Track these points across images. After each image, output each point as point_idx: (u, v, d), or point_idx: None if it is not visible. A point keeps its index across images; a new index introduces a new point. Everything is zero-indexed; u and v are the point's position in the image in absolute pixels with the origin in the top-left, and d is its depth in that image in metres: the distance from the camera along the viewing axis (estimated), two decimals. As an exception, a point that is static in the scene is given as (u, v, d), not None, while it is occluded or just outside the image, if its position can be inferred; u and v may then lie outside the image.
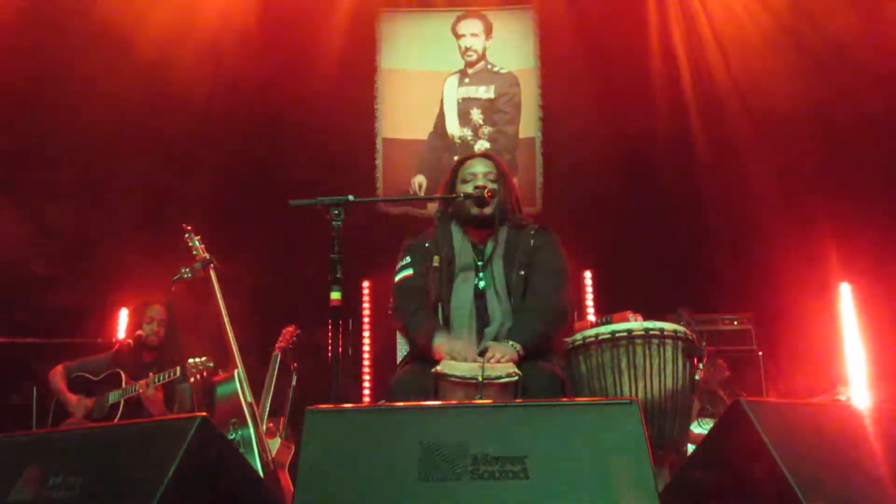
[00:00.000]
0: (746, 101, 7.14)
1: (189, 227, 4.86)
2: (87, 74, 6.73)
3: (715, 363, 6.07)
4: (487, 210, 3.80)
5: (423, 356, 3.63)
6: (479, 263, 3.81)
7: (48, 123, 6.77)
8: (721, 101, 7.31)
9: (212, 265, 4.74)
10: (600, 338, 3.69)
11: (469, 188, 3.84)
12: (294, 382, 5.57)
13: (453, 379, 3.36)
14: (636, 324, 3.74)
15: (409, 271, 3.87)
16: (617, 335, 3.67)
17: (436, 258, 3.81)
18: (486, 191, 3.77)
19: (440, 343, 3.58)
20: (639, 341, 3.65)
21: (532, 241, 3.81)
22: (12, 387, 5.89)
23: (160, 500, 2.37)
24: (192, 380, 4.63)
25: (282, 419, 5.42)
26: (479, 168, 3.91)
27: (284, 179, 7.08)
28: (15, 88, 6.58)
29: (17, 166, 6.73)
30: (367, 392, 7.06)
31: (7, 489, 2.64)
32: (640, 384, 3.60)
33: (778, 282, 6.56)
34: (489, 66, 8.01)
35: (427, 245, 3.89)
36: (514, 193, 3.99)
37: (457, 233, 3.91)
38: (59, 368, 5.37)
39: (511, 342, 3.54)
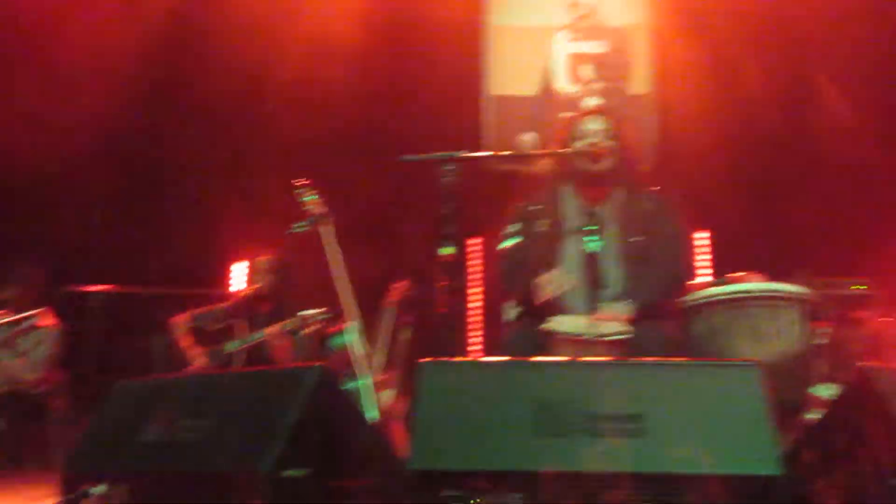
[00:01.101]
0: (865, 61, 6.81)
1: (305, 182, 4.95)
2: (201, 42, 6.94)
3: (850, 327, 5.85)
4: (601, 167, 3.75)
5: (533, 312, 3.63)
6: (592, 228, 3.76)
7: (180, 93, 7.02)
8: (841, 60, 7.00)
9: (326, 220, 4.82)
10: (718, 298, 3.62)
11: (582, 145, 3.80)
12: (406, 336, 5.65)
13: (562, 335, 3.36)
14: (756, 285, 3.64)
15: (516, 239, 3.86)
16: (736, 296, 3.59)
17: (544, 223, 3.79)
18: (599, 147, 3.72)
19: (540, 280, 3.57)
20: (759, 303, 3.56)
21: (649, 206, 3.74)
22: (138, 333, 6.14)
23: (282, 444, 2.46)
24: (309, 331, 4.74)
25: (394, 372, 5.52)
26: (594, 125, 3.84)
27: (395, 136, 7.14)
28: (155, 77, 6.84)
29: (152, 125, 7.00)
30: (476, 349, 7.11)
31: (141, 428, 2.78)
32: (759, 347, 3.52)
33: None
34: (600, 21, 7.85)
35: (534, 209, 3.87)
36: (630, 153, 3.91)
37: (567, 194, 3.86)
38: (181, 318, 5.59)
39: (626, 302, 3.51)
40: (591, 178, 3.77)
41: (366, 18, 7.38)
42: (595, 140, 3.76)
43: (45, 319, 5.80)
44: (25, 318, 5.72)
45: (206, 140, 7.33)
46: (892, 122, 6.76)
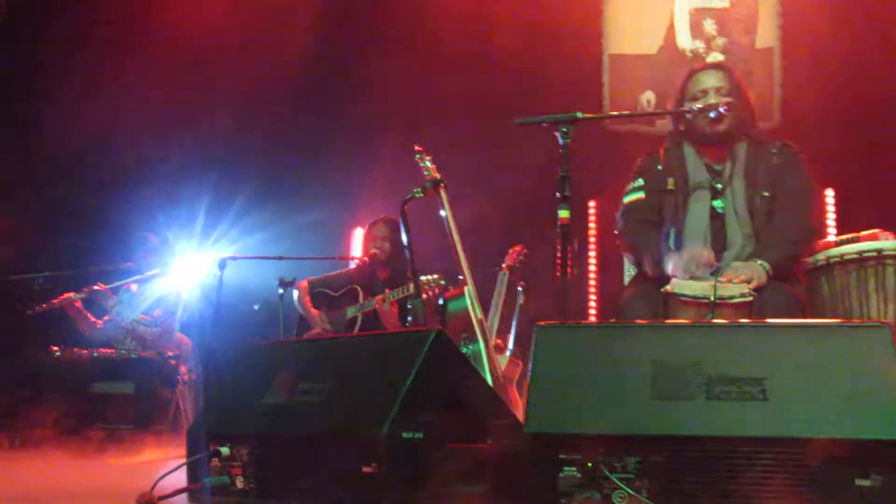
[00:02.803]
0: None
1: (421, 148, 4.97)
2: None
3: None
4: (722, 127, 3.63)
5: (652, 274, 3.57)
6: (719, 186, 3.66)
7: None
8: None
9: (442, 185, 4.84)
10: (846, 258, 3.47)
11: (701, 104, 3.68)
12: (521, 300, 5.66)
13: (684, 298, 3.29)
14: (887, 243, 3.47)
15: (641, 194, 3.78)
16: (865, 255, 3.43)
17: (670, 181, 3.70)
18: (720, 108, 3.59)
19: (673, 262, 3.51)
20: (890, 262, 3.39)
21: (775, 160, 3.62)
22: (258, 297, 6.33)
23: (399, 407, 2.49)
24: (425, 296, 4.78)
25: (508, 336, 5.54)
26: (710, 82, 3.71)
27: (510, 98, 7.08)
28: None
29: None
30: (592, 313, 7.05)
31: (263, 391, 2.87)
32: (891, 307, 3.36)
33: None
34: (725, -27, 7.56)
35: (659, 168, 3.78)
36: (750, 105, 3.77)
37: (689, 152, 3.76)
38: (304, 283, 5.73)
39: (759, 262, 3.41)
40: (712, 138, 3.67)
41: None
42: (712, 101, 3.65)
43: (171, 285, 6.05)
44: (150, 283, 6.00)
45: (327, 105, 7.45)
46: None
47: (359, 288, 5.55)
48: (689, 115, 3.68)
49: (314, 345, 3.70)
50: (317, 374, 2.83)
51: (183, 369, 5.87)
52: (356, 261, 5.88)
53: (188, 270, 6.18)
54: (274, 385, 2.86)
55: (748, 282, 3.30)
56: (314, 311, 5.59)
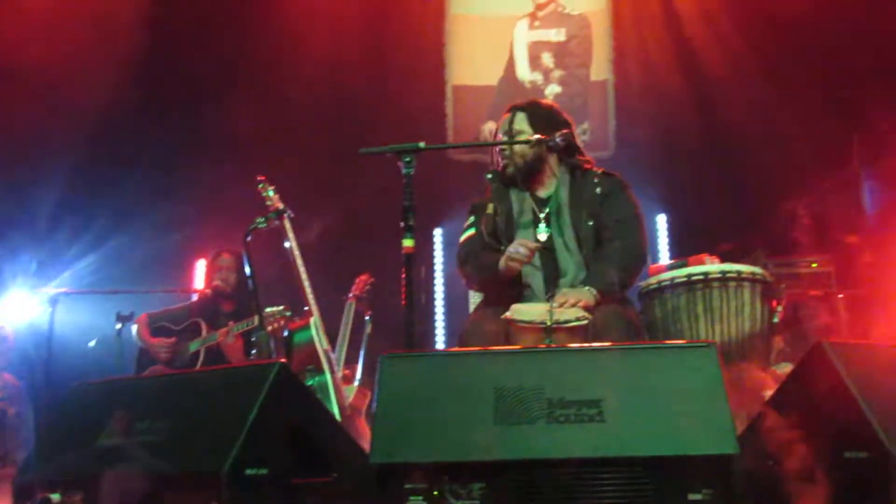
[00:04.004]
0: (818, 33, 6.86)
1: (263, 178, 4.91)
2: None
3: (810, 306, 5.91)
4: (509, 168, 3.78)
5: (496, 301, 3.63)
6: (542, 214, 3.76)
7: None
8: (794, 32, 7.03)
9: (286, 215, 4.79)
10: (676, 281, 3.64)
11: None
12: (368, 330, 5.65)
13: (521, 324, 3.36)
14: (712, 266, 3.67)
15: (472, 231, 3.87)
16: (693, 278, 3.61)
17: (498, 217, 3.78)
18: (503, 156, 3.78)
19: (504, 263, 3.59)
20: (715, 284, 3.59)
21: (598, 189, 3.73)
22: (94, 334, 6.07)
23: (242, 444, 2.43)
24: (270, 328, 4.71)
25: (356, 366, 5.51)
26: (504, 126, 3.86)
27: (354, 128, 7.10)
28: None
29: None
30: (440, 339, 7.11)
31: (97, 433, 2.74)
32: (717, 327, 3.54)
33: (859, 223, 6.37)
34: (560, 9, 7.86)
35: (487, 205, 3.86)
36: (573, 135, 3.85)
37: (513, 188, 3.87)
38: (143, 317, 5.52)
39: (587, 287, 3.52)
40: (513, 176, 3.78)
41: (329, 10, 7.35)
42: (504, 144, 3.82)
43: None
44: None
45: (167, 135, 7.24)
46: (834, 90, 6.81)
47: (202, 321, 5.40)
48: (532, 143, 3.74)
49: (153, 382, 3.57)
50: (156, 412, 2.73)
51: (10, 412, 5.53)
52: (198, 293, 5.72)
53: (16, 307, 5.84)
54: (109, 426, 2.74)
55: (573, 305, 3.41)
56: (155, 340, 5.39)
